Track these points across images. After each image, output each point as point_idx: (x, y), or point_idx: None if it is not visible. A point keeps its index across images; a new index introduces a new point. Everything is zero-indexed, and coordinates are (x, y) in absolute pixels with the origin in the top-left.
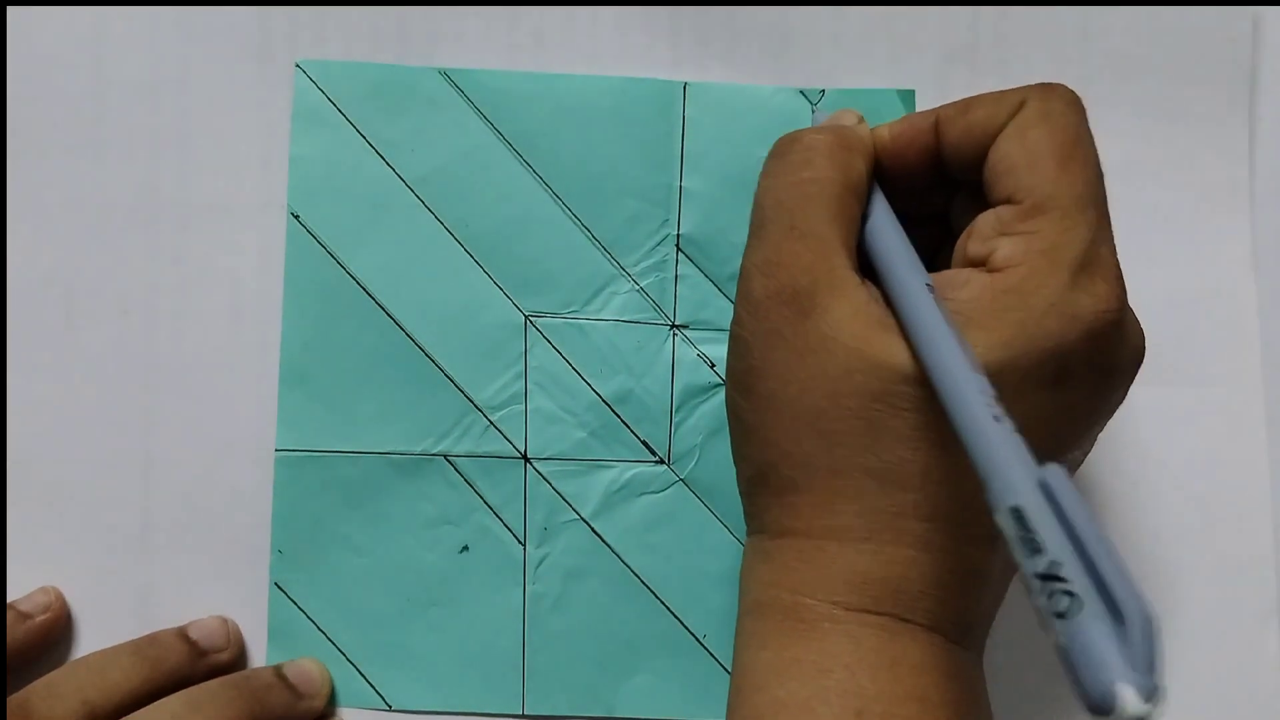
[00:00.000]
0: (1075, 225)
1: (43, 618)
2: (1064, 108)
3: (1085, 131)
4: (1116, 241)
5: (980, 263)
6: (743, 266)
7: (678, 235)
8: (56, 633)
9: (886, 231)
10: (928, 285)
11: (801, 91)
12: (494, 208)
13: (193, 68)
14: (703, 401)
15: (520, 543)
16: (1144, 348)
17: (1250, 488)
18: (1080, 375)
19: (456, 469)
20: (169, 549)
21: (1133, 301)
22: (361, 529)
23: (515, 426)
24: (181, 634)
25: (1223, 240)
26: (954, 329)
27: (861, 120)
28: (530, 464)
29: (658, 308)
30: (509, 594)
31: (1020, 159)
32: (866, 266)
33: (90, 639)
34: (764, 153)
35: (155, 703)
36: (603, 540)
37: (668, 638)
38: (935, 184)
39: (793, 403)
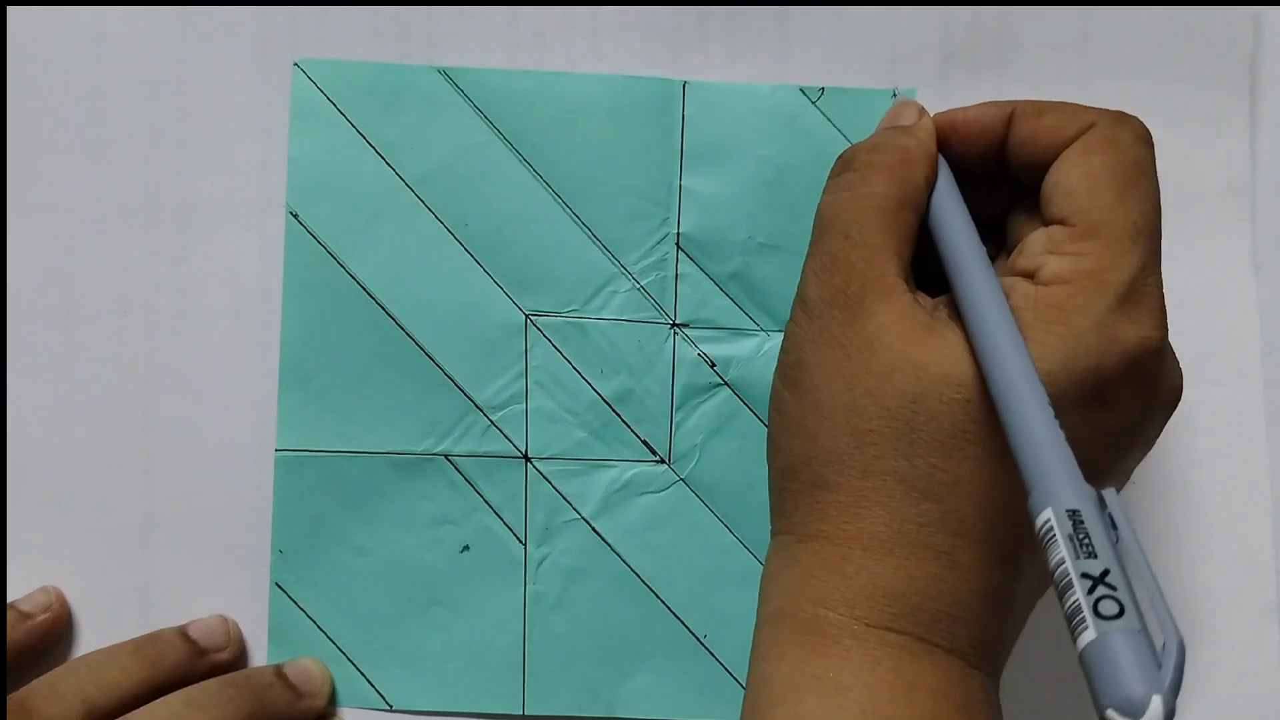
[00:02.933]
0: (1125, 253)
1: (43, 617)
2: (1132, 138)
3: (1150, 164)
4: None
5: (1027, 275)
6: (803, 271)
7: (678, 234)
8: (57, 632)
9: (953, 218)
10: (996, 284)
11: (801, 89)
12: (494, 207)
13: (193, 68)
14: (704, 401)
15: (521, 542)
16: (1181, 388)
17: (1250, 488)
18: (1118, 400)
19: (457, 469)
20: (169, 549)
21: None
22: (362, 529)
23: (516, 426)
24: (182, 633)
25: (1223, 240)
26: (1019, 334)
27: (923, 113)
28: (531, 463)
29: (658, 306)
30: (510, 594)
31: (1080, 183)
32: (924, 271)
33: (91, 638)
34: (765, 151)
35: (155, 701)
36: (603, 540)
37: (668, 638)
38: (995, 180)
39: (834, 398)
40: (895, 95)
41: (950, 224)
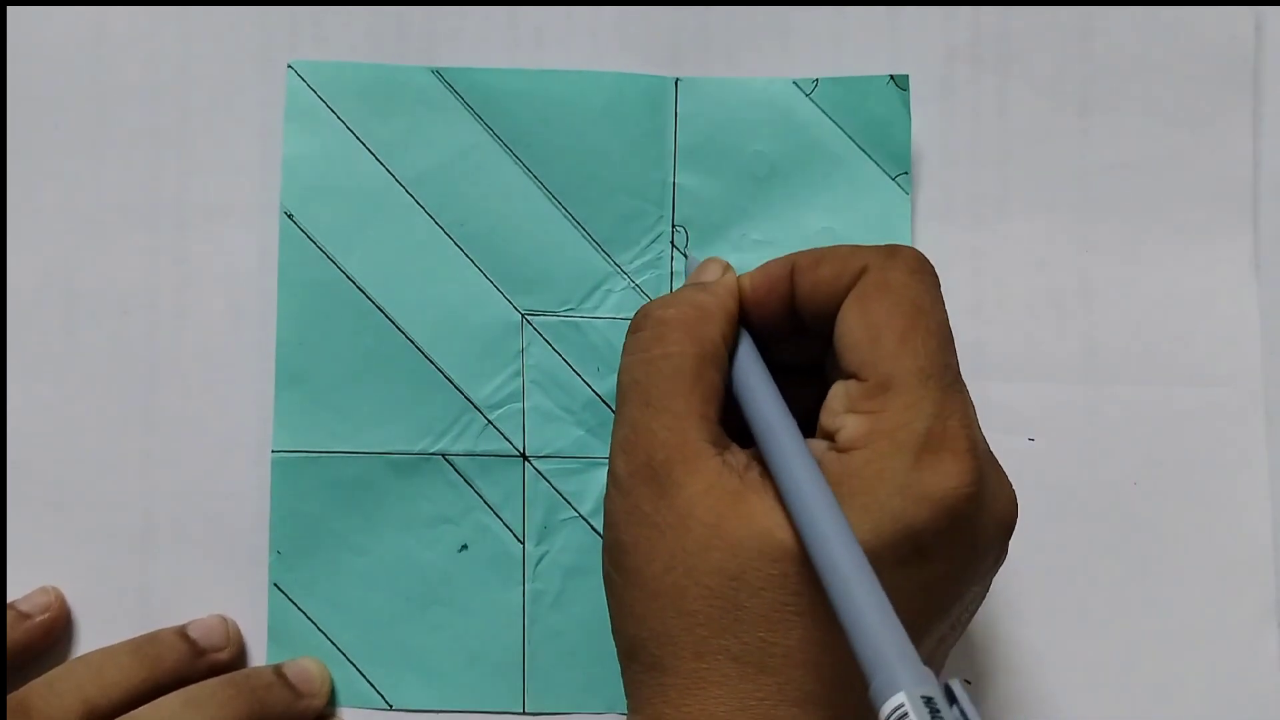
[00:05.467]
0: (918, 402)
1: (43, 617)
2: (905, 276)
3: (929, 299)
4: (1116, 241)
5: (830, 437)
6: (610, 441)
7: (672, 231)
8: (56, 632)
9: (756, 388)
10: (805, 450)
11: (795, 82)
12: (488, 206)
13: (192, 68)
14: None
15: (519, 541)
16: (1015, 512)
17: (1250, 488)
18: (937, 552)
19: (455, 468)
20: (169, 549)
21: (1135, 302)
22: (360, 529)
23: (513, 425)
24: (181, 633)
25: (1224, 240)
26: (837, 510)
27: (728, 269)
28: (529, 462)
29: None
30: (509, 592)
31: (861, 334)
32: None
33: (90, 638)
34: (760, 146)
35: (154, 701)
36: (602, 538)
37: None
38: (804, 331)
39: (656, 580)
40: (687, 256)
41: (752, 393)
